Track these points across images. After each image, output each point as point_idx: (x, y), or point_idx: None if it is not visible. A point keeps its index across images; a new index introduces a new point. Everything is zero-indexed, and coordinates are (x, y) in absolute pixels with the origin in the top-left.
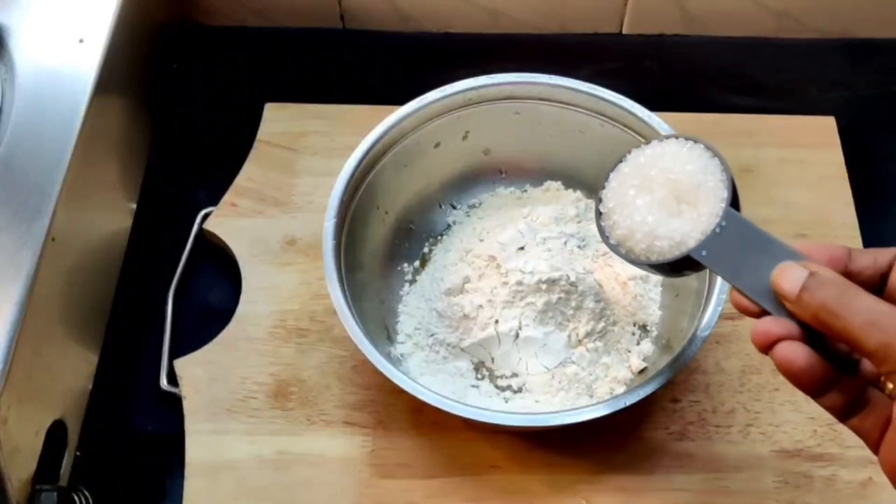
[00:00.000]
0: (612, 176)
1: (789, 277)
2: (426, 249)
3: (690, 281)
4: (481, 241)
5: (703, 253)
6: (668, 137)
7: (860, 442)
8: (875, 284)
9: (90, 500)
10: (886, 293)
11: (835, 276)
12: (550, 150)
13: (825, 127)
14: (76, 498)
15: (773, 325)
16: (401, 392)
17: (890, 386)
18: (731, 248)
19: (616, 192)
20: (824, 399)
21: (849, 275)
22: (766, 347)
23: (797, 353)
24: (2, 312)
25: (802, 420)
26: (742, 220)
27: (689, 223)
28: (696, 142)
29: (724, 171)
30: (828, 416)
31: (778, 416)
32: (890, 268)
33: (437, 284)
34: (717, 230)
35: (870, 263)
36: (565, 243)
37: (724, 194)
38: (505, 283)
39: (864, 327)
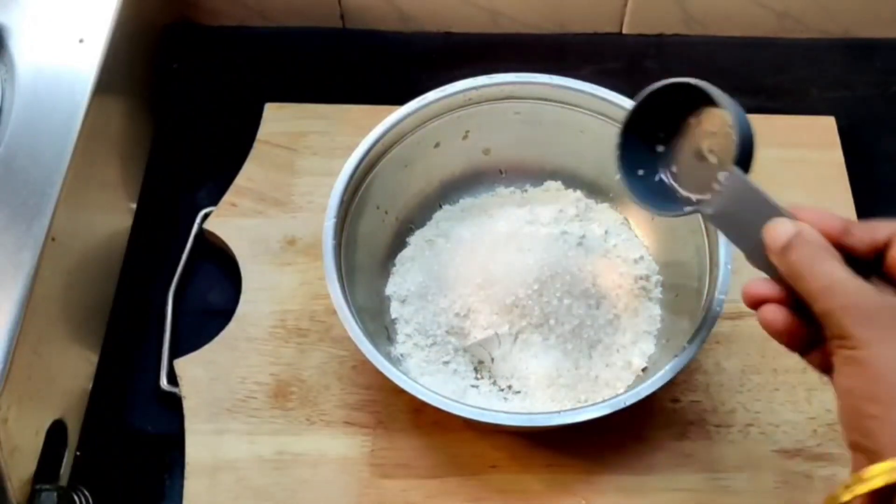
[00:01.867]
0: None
1: (778, 232)
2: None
3: (691, 281)
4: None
5: (709, 211)
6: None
7: None
8: (870, 258)
9: (90, 500)
10: (885, 268)
11: (815, 238)
12: (550, 150)
13: (825, 127)
14: (76, 498)
15: (760, 286)
16: (401, 392)
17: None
18: (733, 207)
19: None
20: (810, 357)
21: (843, 246)
22: (752, 306)
23: (776, 315)
24: (2, 312)
25: (802, 420)
26: (743, 179)
27: None
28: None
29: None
30: (828, 416)
31: (778, 416)
32: (887, 243)
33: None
34: (718, 187)
35: (867, 237)
36: (565, 243)
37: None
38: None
39: (820, 291)
